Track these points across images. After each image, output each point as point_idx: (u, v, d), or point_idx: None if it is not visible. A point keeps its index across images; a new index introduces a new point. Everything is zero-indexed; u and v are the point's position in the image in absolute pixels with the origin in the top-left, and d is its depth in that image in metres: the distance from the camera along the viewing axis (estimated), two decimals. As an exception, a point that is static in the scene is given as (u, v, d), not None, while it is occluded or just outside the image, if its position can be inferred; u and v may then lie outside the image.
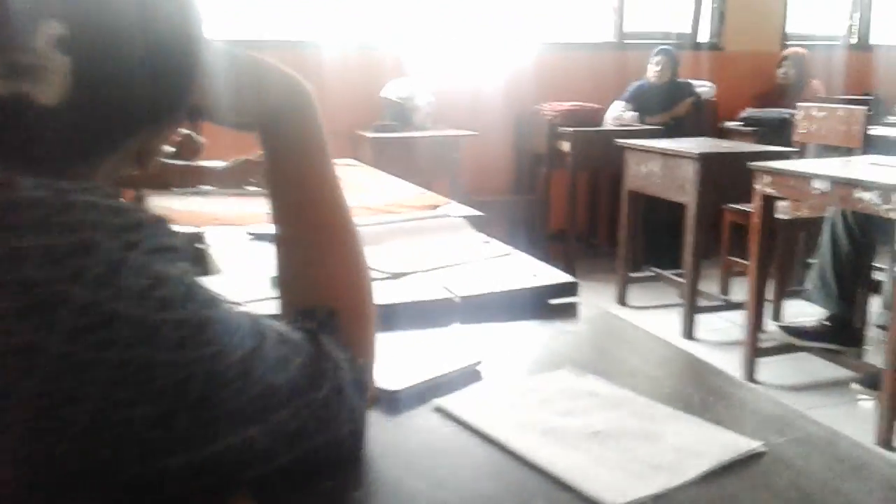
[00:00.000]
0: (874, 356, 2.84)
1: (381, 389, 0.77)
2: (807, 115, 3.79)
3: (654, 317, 3.80)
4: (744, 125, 4.80)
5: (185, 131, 2.71)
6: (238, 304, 0.61)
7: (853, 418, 2.66)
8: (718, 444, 0.70)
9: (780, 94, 4.96)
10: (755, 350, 2.97)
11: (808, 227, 3.52)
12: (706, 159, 3.31)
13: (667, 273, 4.03)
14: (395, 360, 0.88)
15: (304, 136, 0.77)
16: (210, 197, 2.13)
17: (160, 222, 0.57)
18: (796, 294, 3.70)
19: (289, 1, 4.87)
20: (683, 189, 3.41)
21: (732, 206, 3.60)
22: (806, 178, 2.63)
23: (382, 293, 1.15)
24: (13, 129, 0.53)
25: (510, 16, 5.00)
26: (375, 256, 1.35)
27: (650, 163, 3.65)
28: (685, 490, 0.63)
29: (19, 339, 0.48)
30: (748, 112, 4.87)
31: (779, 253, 3.57)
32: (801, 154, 3.72)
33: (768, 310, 3.49)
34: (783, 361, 3.08)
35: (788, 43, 5.39)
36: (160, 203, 2.03)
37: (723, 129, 4.90)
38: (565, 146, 4.50)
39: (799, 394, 2.90)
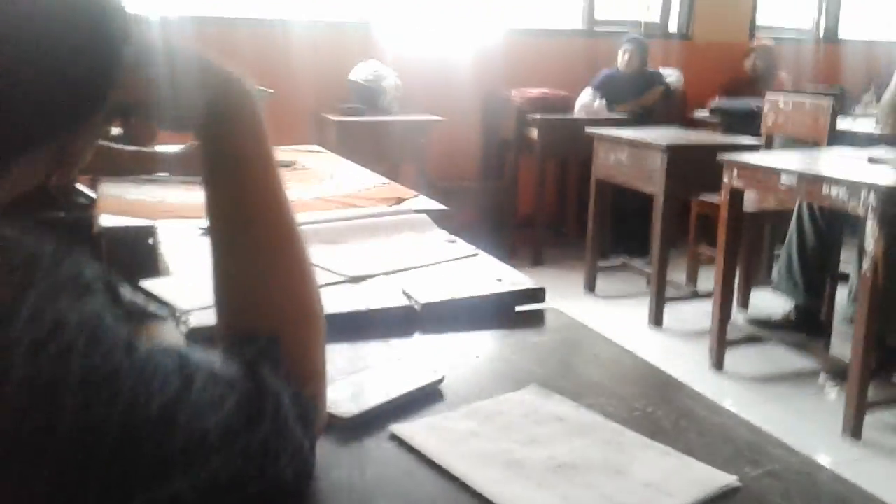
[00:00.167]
0: (841, 347, 2.85)
1: (332, 416, 0.71)
2: (774, 107, 3.78)
3: (622, 306, 3.79)
4: (712, 115, 4.79)
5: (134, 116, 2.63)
6: (163, 342, 0.55)
7: (820, 409, 2.67)
8: (690, 479, 0.66)
9: (748, 85, 4.95)
10: (723, 341, 2.97)
11: (776, 219, 3.53)
12: (674, 150, 3.29)
13: (635, 262, 4.02)
14: (349, 379, 0.83)
15: (244, 139, 0.70)
16: (165, 185, 2.05)
17: (61, 254, 0.50)
18: (764, 284, 3.72)
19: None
20: (651, 179, 3.39)
21: (700, 197, 3.60)
22: (774, 172, 2.62)
23: (340, 300, 1.10)
24: None
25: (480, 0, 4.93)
26: (333, 257, 1.29)
27: (618, 152, 3.62)
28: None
29: None
30: (716, 102, 4.86)
31: (746, 243, 3.58)
32: (767, 146, 3.72)
33: (736, 298, 3.50)
34: (750, 351, 3.08)
35: (757, 34, 5.39)
36: (113, 191, 1.95)
37: (691, 118, 4.89)
38: (533, 133, 4.46)
39: (766, 384, 2.91)
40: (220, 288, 0.67)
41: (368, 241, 1.41)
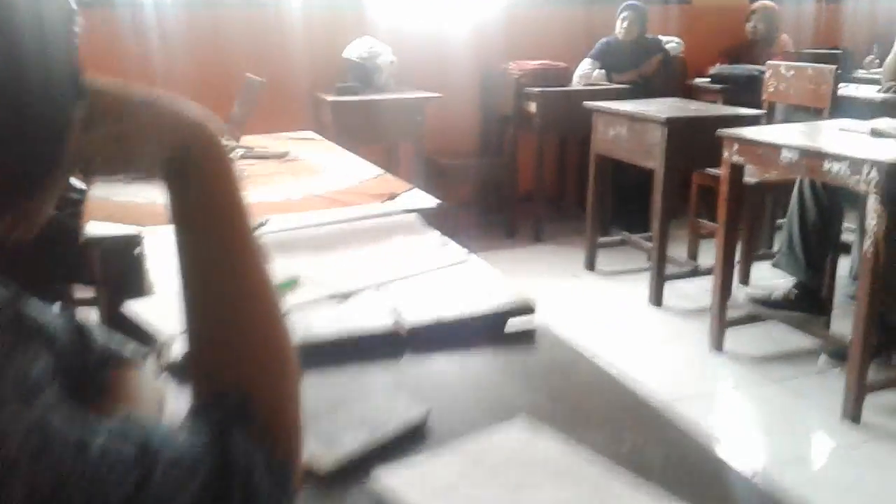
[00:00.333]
0: (842, 324, 2.82)
1: (310, 469, 0.69)
2: (775, 74, 3.72)
3: (622, 283, 3.76)
4: (713, 82, 4.71)
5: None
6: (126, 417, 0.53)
7: (821, 389, 2.65)
8: (680, 530, 0.64)
9: (749, 48, 4.87)
10: (723, 323, 2.95)
11: (778, 189, 3.48)
12: (673, 124, 3.23)
13: (635, 237, 3.98)
14: (330, 419, 0.81)
15: (213, 188, 0.67)
16: (154, 184, 2.02)
17: (6, 352, 0.47)
18: (765, 256, 3.68)
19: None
20: (651, 154, 3.34)
21: (701, 170, 3.55)
22: (774, 147, 2.57)
23: (326, 320, 1.08)
24: None
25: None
26: (322, 268, 1.27)
27: (618, 126, 3.57)
28: None
29: None
30: (717, 68, 4.78)
31: (747, 215, 3.54)
32: (769, 115, 3.66)
33: (737, 272, 3.47)
34: (751, 330, 3.06)
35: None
36: (101, 192, 1.92)
37: (692, 86, 4.82)
38: (532, 107, 4.40)
39: (768, 364, 2.88)
40: (192, 340, 0.65)
41: (358, 247, 1.39)
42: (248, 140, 2.57)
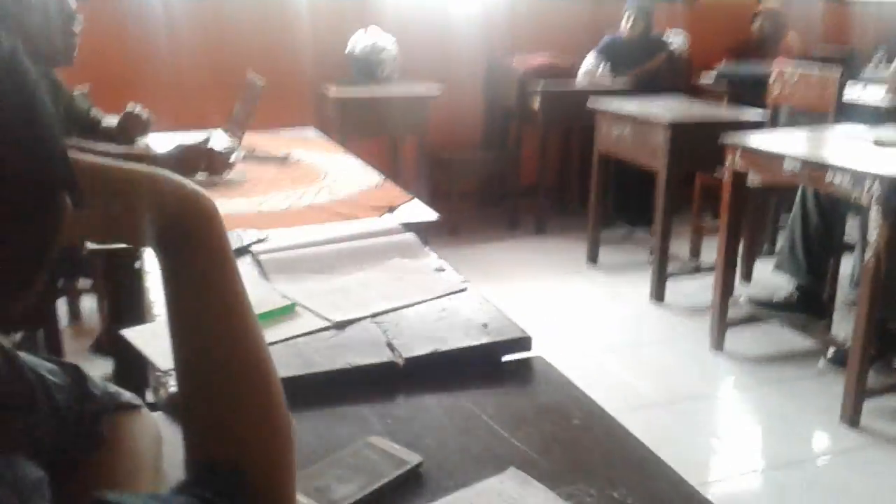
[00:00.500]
0: (843, 327, 2.83)
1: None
2: (780, 76, 3.70)
3: (624, 279, 3.76)
4: (718, 80, 4.69)
5: (128, 108, 2.58)
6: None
7: (820, 392, 2.66)
8: None
9: (755, 46, 4.83)
10: (723, 323, 2.95)
11: (780, 190, 3.47)
12: (677, 128, 3.22)
13: (637, 233, 3.99)
14: (323, 472, 0.81)
15: (204, 259, 0.67)
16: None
17: None
18: (768, 255, 3.69)
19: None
20: (654, 155, 3.33)
21: (704, 173, 3.55)
22: (777, 157, 2.56)
23: (323, 353, 1.08)
24: None
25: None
26: (321, 295, 1.28)
27: (621, 127, 3.56)
28: None
29: None
30: (723, 66, 4.75)
31: (750, 216, 3.54)
32: (773, 118, 3.64)
33: (739, 270, 3.47)
34: (751, 331, 3.07)
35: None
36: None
37: (696, 85, 4.79)
38: (536, 103, 4.38)
39: (768, 365, 2.90)
40: (185, 413, 0.66)
41: (356, 270, 1.39)
42: (249, 138, 2.56)
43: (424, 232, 1.73)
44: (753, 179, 3.12)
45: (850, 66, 4.71)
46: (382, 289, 1.31)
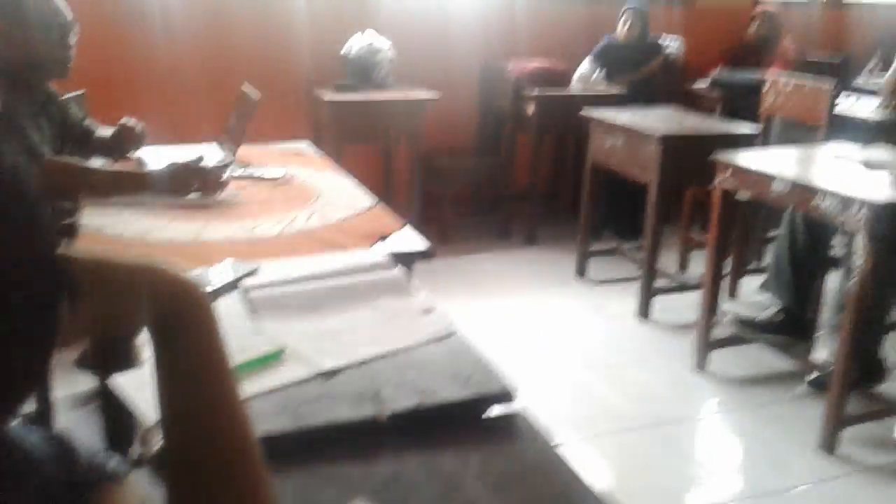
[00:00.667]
0: (826, 350, 2.85)
1: None
2: (773, 87, 3.71)
3: (611, 293, 3.78)
4: (712, 87, 4.70)
5: (122, 120, 2.59)
6: None
7: (800, 417, 2.67)
8: None
9: (750, 51, 4.85)
10: (706, 343, 2.98)
11: (769, 205, 3.49)
12: (668, 141, 3.23)
13: (626, 247, 4.01)
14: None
15: (197, 344, 0.71)
16: (148, 211, 2.03)
17: None
18: (755, 272, 3.71)
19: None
20: (646, 168, 3.35)
21: (695, 186, 3.56)
22: (766, 177, 2.58)
23: (309, 406, 1.10)
24: None
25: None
26: (309, 338, 1.29)
27: (614, 137, 3.58)
28: None
29: None
30: (718, 72, 4.77)
31: (738, 229, 3.56)
32: (766, 129, 3.66)
33: (727, 284, 3.50)
34: (735, 351, 3.08)
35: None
36: (93, 220, 1.93)
37: (691, 91, 4.80)
38: (530, 108, 4.39)
39: (750, 387, 2.91)
40: (166, 477, 0.69)
41: (345, 309, 1.41)
42: (242, 151, 2.57)
43: (413, 260, 1.75)
44: (743, 195, 3.14)
45: (846, 73, 4.74)
46: (370, 332, 1.33)
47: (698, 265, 3.63)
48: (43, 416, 2.12)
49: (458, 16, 4.61)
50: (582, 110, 3.79)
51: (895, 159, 2.62)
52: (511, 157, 4.62)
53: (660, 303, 3.52)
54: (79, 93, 3.03)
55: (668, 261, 3.86)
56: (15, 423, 0.73)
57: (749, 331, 3.02)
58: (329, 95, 4.10)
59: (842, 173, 2.54)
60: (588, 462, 2.43)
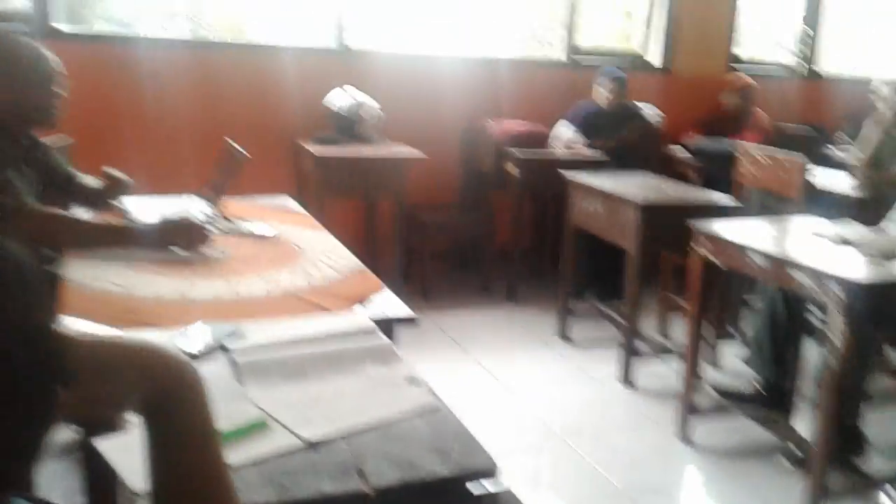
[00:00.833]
0: (806, 421, 2.87)
1: None
2: (747, 157, 3.81)
3: (593, 355, 3.79)
4: (689, 154, 4.82)
5: (107, 170, 2.59)
6: None
7: (782, 490, 2.67)
8: None
9: (724, 120, 4.99)
10: (689, 413, 2.99)
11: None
12: (649, 210, 3.29)
13: (607, 309, 4.04)
14: None
15: (188, 424, 0.72)
16: (134, 265, 2.02)
17: None
18: (733, 336, 3.75)
19: (229, 2, 4.70)
20: (625, 234, 3.40)
21: (674, 253, 3.61)
22: (742, 249, 2.63)
23: (293, 478, 1.10)
24: None
25: (460, 28, 4.92)
26: (293, 407, 1.29)
27: (593, 201, 3.64)
28: None
29: None
30: (694, 142, 4.89)
31: (716, 295, 3.60)
32: (741, 198, 3.74)
33: (708, 349, 3.53)
34: (718, 420, 3.09)
35: (735, 67, 5.42)
36: (77, 273, 1.93)
37: (668, 156, 4.91)
38: (512, 168, 4.46)
39: (733, 459, 2.90)
40: None
41: (330, 375, 1.41)
42: (226, 204, 2.58)
43: (395, 325, 1.76)
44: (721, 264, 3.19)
45: (818, 144, 4.88)
46: (355, 401, 1.33)
47: (679, 327, 3.65)
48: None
49: (442, 76, 4.71)
50: (562, 174, 3.85)
51: (869, 236, 2.68)
52: (492, 214, 4.68)
53: (642, 367, 3.54)
54: (66, 141, 3.04)
55: (647, 322, 3.89)
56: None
57: (730, 402, 3.05)
58: (313, 148, 4.14)
59: (816, 248, 2.59)
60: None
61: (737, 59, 5.55)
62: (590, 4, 5.19)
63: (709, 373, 3.41)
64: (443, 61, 4.76)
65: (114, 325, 1.57)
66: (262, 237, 2.37)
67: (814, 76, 5.92)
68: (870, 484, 2.70)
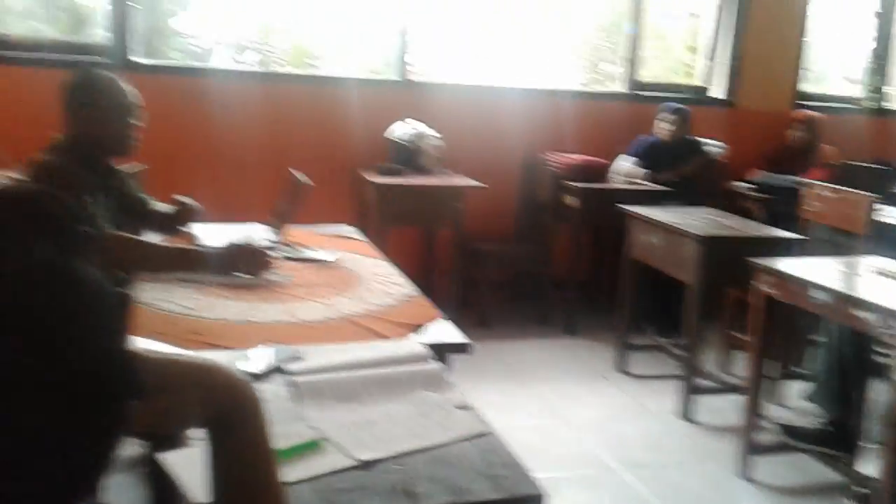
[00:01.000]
0: (871, 464, 2.78)
1: None
2: (813, 193, 3.74)
3: (651, 389, 3.73)
4: (754, 190, 4.75)
5: (178, 197, 2.71)
6: None
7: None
8: None
9: (790, 155, 4.90)
10: (750, 448, 2.92)
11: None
12: (709, 242, 3.26)
13: (667, 343, 3.98)
14: None
15: (249, 440, 0.77)
16: (200, 288, 2.11)
17: None
18: (799, 375, 3.65)
19: (297, 35, 4.86)
20: (685, 268, 3.37)
21: (736, 288, 3.56)
22: (805, 285, 2.59)
23: (344, 498, 1.13)
24: None
25: (523, 60, 4.98)
26: (347, 428, 1.33)
27: (653, 234, 3.62)
28: None
29: None
30: (759, 176, 4.82)
31: (781, 333, 3.52)
32: (805, 234, 3.66)
33: (772, 385, 3.45)
34: (780, 458, 3.01)
35: (802, 103, 5.33)
36: (145, 295, 2.01)
37: (732, 191, 4.84)
38: (570, 200, 4.46)
39: (792, 497, 2.82)
40: None
41: (384, 400, 1.44)
42: (290, 232, 2.67)
43: (450, 352, 1.79)
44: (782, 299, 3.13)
45: (886, 181, 4.74)
46: (406, 425, 1.36)
47: (741, 363, 3.58)
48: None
49: (503, 108, 4.76)
50: (621, 206, 3.85)
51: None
52: (551, 245, 4.68)
53: (702, 403, 3.47)
54: (140, 168, 3.18)
55: (711, 359, 3.83)
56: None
57: (794, 440, 2.97)
58: (375, 178, 4.22)
59: (882, 286, 2.53)
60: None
61: (804, 95, 5.45)
62: (652, 38, 5.19)
63: (771, 409, 3.32)
64: (504, 92, 4.81)
65: (179, 345, 1.64)
66: (322, 263, 2.44)
67: (883, 112, 5.78)
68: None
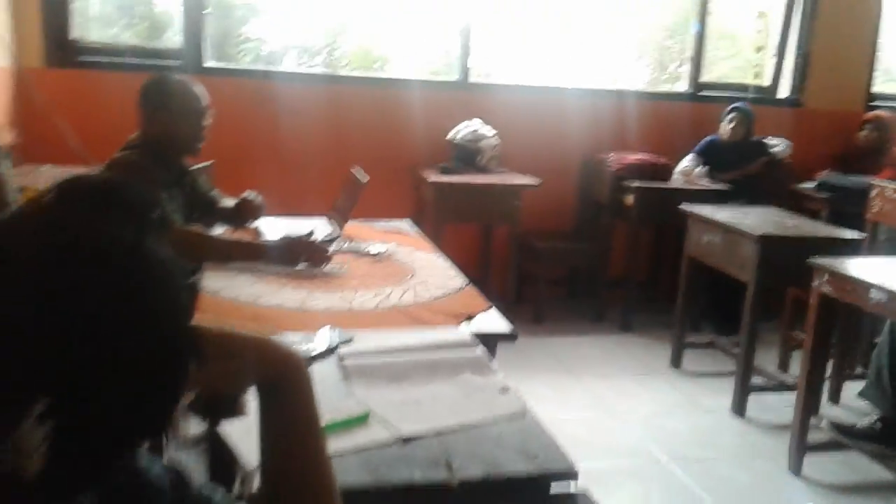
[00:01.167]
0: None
1: None
2: (881, 194, 3.66)
3: (706, 386, 3.72)
4: (819, 189, 4.65)
5: (244, 194, 2.84)
6: None
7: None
8: None
9: (860, 157, 4.79)
10: (803, 446, 2.90)
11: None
12: (767, 241, 3.23)
13: (724, 341, 3.95)
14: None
15: (297, 404, 0.85)
16: (262, 277, 2.22)
17: None
18: (858, 376, 3.58)
19: (362, 38, 4.98)
20: (743, 267, 3.34)
21: (796, 287, 3.51)
22: (864, 286, 2.56)
23: (388, 466, 1.21)
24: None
25: (586, 60, 4.99)
26: (393, 405, 1.40)
27: (712, 234, 3.60)
28: None
29: None
30: (825, 175, 4.72)
31: (840, 334, 3.47)
32: (872, 236, 3.60)
33: (828, 388, 3.40)
34: (832, 456, 2.98)
35: (873, 104, 5.19)
36: (211, 283, 2.13)
37: (797, 192, 4.75)
38: (628, 199, 4.46)
39: (845, 495, 2.80)
40: None
41: (429, 381, 1.52)
42: (348, 226, 2.77)
43: (496, 341, 1.85)
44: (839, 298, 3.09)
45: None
46: (449, 404, 1.43)
47: (798, 365, 3.53)
48: (157, 450, 2.30)
49: (565, 108, 4.78)
50: (681, 204, 3.84)
51: None
52: (608, 243, 4.68)
53: (757, 401, 3.45)
54: (208, 163, 3.34)
55: (767, 358, 3.79)
56: (141, 455, 0.87)
57: (847, 438, 2.93)
58: (433, 177, 4.30)
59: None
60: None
61: (877, 96, 5.31)
62: (721, 38, 5.14)
63: (826, 408, 3.28)
64: (566, 93, 4.83)
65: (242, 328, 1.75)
66: (377, 255, 2.53)
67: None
68: None
